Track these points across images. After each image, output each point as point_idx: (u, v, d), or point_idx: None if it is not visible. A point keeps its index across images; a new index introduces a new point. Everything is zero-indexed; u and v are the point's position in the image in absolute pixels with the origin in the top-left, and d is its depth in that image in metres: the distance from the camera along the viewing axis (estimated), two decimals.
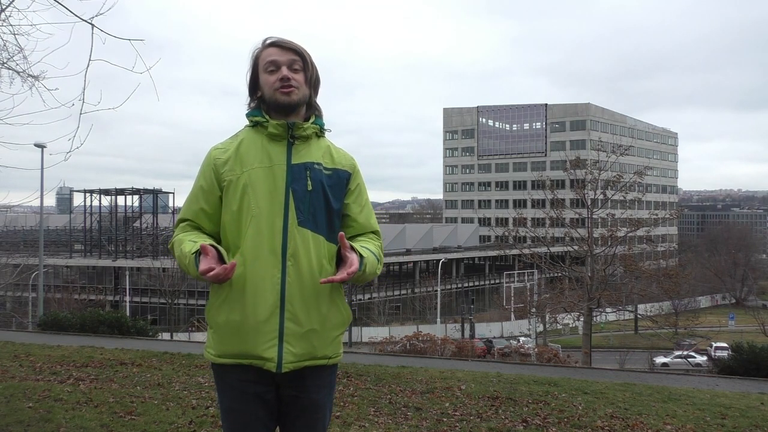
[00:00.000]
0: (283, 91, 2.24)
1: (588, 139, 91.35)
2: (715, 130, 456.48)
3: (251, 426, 2.25)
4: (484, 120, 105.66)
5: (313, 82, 2.34)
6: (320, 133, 2.35)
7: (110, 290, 53.69)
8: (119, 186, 70.10)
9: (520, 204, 78.84)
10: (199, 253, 2.10)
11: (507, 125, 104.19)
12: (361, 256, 2.17)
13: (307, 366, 2.22)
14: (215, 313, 2.22)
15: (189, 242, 2.20)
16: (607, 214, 27.68)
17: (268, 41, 2.31)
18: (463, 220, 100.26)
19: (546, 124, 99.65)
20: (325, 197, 2.25)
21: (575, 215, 26.73)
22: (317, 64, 2.37)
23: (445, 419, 5.67)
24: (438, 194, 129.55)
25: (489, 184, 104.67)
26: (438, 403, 6.31)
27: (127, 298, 44.47)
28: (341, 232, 2.18)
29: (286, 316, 2.17)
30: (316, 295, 2.21)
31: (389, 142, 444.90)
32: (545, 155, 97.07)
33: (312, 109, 2.36)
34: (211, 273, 2.03)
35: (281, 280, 2.17)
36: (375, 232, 2.38)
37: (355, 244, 2.21)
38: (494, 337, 44.04)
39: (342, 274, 2.11)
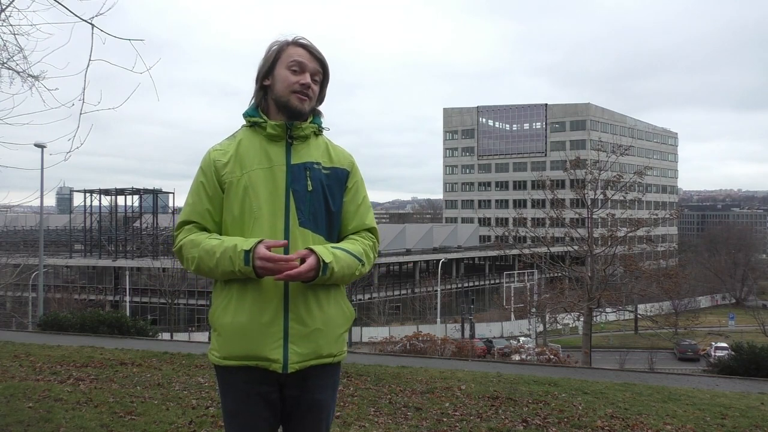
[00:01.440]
0: (299, 96, 2.24)
1: (588, 139, 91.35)
2: (715, 130, 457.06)
3: (255, 427, 2.25)
4: (484, 120, 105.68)
5: (321, 98, 2.37)
6: (318, 132, 2.35)
7: (110, 290, 53.70)
8: (119, 186, 70.14)
9: (520, 204, 78.89)
10: (252, 249, 2.08)
11: (507, 125, 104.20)
12: (324, 263, 2.12)
13: (312, 365, 2.22)
14: (220, 316, 2.22)
15: (215, 239, 2.18)
16: (607, 214, 27.67)
17: (300, 41, 2.30)
18: (463, 220, 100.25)
19: (546, 124, 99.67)
20: (324, 197, 2.26)
21: (575, 215, 26.72)
22: None
23: (445, 419, 5.67)
24: (438, 194, 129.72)
25: (489, 184, 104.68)
26: (438, 403, 6.31)
27: (127, 298, 44.46)
28: (276, 240, 2.15)
29: (290, 317, 2.17)
30: (318, 295, 2.21)
31: (389, 142, 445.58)
32: (545, 155, 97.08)
33: (311, 113, 2.36)
34: (276, 262, 2.04)
35: (285, 281, 2.16)
36: (370, 230, 2.37)
37: (320, 248, 2.16)
38: (494, 337, 44.03)
39: (290, 277, 2.08)
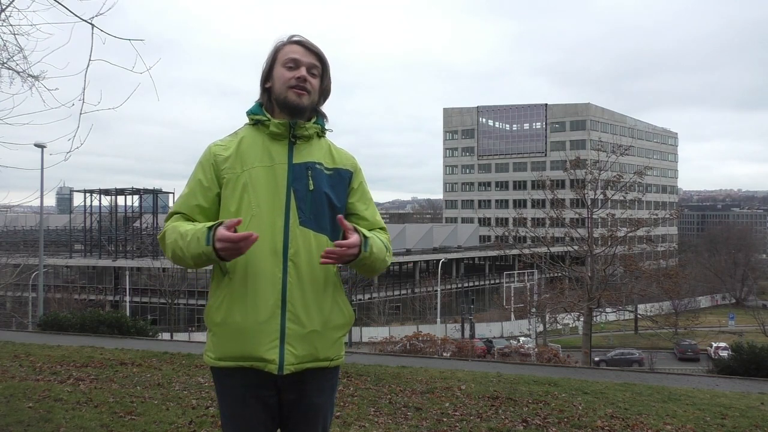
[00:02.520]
0: (296, 91, 2.23)
1: (588, 139, 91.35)
2: (715, 130, 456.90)
3: (252, 430, 2.23)
4: (484, 120, 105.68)
5: (324, 91, 2.34)
6: (321, 133, 2.34)
7: (110, 290, 53.70)
8: (119, 186, 70.14)
9: (520, 204, 78.93)
10: (215, 227, 2.04)
11: (507, 125, 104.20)
12: (365, 237, 2.16)
13: (308, 368, 2.19)
14: (215, 315, 2.19)
15: (190, 225, 2.16)
16: (607, 214, 27.69)
17: (295, 38, 2.29)
18: (463, 220, 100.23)
19: (546, 124, 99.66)
20: (327, 197, 2.24)
21: (575, 215, 26.74)
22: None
23: (445, 419, 5.67)
24: (438, 194, 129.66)
25: (489, 184, 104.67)
26: (438, 403, 6.31)
27: (127, 298, 44.46)
28: (339, 215, 2.18)
29: (287, 317, 2.15)
30: (317, 296, 2.19)
31: (389, 142, 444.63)
32: (545, 155, 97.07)
33: (315, 113, 2.35)
34: (235, 236, 1.98)
35: (282, 280, 2.15)
36: (382, 228, 2.38)
37: (361, 227, 2.21)
38: (494, 337, 44.04)
39: (341, 249, 2.07)
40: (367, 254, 2.15)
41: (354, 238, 2.11)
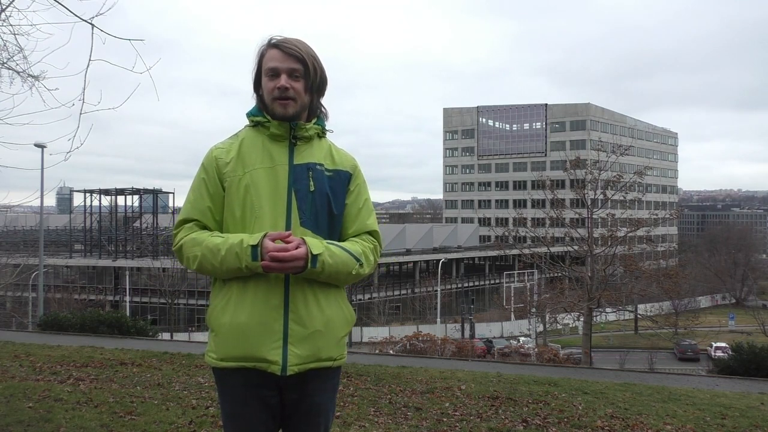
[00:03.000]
0: (280, 102, 2.22)
1: (588, 139, 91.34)
2: (715, 130, 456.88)
3: (253, 430, 2.23)
4: (484, 120, 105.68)
5: (316, 87, 2.29)
6: (322, 134, 2.34)
7: (110, 290, 53.70)
8: (119, 186, 70.06)
9: (520, 204, 78.89)
10: (259, 244, 2.07)
11: (507, 125, 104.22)
12: (313, 254, 2.09)
13: (311, 368, 2.19)
14: (218, 316, 2.19)
15: (217, 237, 2.15)
16: (607, 214, 27.67)
17: (273, 41, 2.26)
18: (463, 220, 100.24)
19: (546, 124, 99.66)
20: (327, 199, 2.24)
21: (575, 215, 26.73)
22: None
23: (445, 419, 5.67)
24: (438, 194, 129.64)
25: (489, 184, 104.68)
26: (438, 403, 6.31)
27: (127, 298, 44.47)
28: (280, 232, 2.13)
29: (290, 317, 2.15)
30: (319, 296, 2.20)
31: (389, 142, 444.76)
32: (545, 155, 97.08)
33: (315, 111, 2.33)
34: (284, 252, 2.05)
35: (285, 281, 2.15)
36: (371, 233, 2.33)
37: (312, 240, 2.13)
38: (494, 337, 44.04)
39: (275, 263, 2.05)
40: (318, 270, 2.10)
41: (296, 252, 2.07)
